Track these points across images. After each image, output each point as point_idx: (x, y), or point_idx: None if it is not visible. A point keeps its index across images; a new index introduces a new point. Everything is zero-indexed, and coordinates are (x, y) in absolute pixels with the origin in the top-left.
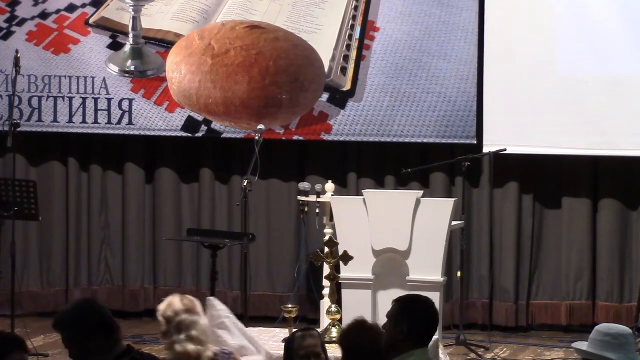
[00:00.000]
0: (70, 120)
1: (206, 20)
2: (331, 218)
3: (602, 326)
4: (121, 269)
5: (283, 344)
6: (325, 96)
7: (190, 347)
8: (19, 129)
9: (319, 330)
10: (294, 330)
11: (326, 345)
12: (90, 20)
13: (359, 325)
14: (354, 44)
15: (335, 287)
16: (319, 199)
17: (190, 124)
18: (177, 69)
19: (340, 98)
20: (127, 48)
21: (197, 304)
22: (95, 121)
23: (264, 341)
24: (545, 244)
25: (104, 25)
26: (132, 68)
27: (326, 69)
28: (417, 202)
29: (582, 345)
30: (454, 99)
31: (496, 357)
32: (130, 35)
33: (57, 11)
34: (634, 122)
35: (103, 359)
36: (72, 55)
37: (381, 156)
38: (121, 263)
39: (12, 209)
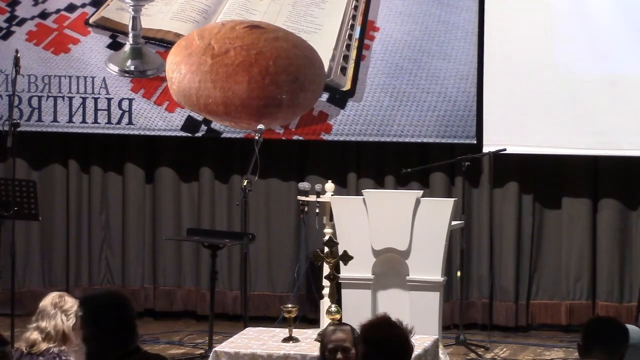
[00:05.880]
0: (70, 120)
1: (206, 20)
2: (331, 218)
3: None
4: (121, 269)
5: (283, 344)
6: (325, 96)
7: (34, 335)
8: (19, 129)
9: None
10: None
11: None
12: (90, 20)
13: (384, 320)
14: (354, 44)
15: (335, 287)
16: (319, 199)
17: (190, 124)
18: (177, 69)
19: (340, 98)
20: (127, 48)
21: (70, 304)
22: (95, 121)
23: (263, 341)
24: (545, 244)
25: (104, 25)
26: (132, 68)
27: (326, 69)
28: (417, 202)
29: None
30: (454, 99)
31: (496, 357)
32: (130, 35)
33: (57, 11)
34: (634, 122)
35: (114, 353)
36: (72, 55)
37: (381, 156)
38: (121, 263)
39: (12, 209)
